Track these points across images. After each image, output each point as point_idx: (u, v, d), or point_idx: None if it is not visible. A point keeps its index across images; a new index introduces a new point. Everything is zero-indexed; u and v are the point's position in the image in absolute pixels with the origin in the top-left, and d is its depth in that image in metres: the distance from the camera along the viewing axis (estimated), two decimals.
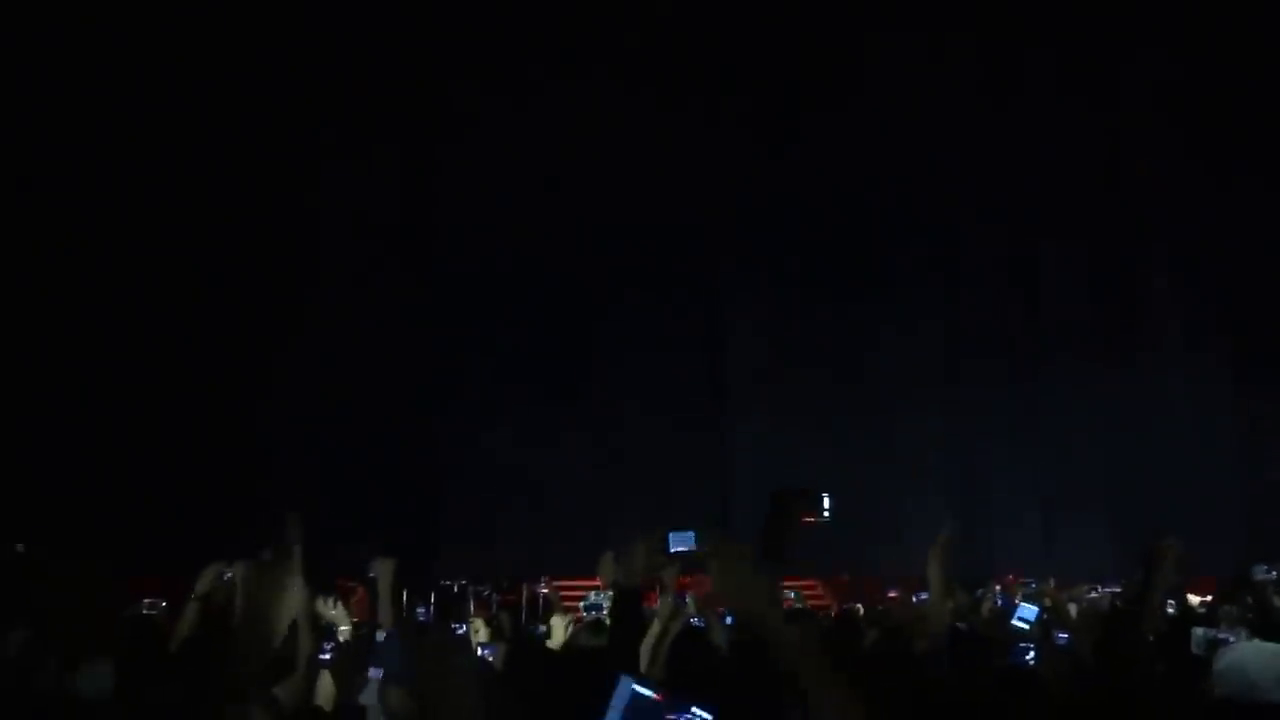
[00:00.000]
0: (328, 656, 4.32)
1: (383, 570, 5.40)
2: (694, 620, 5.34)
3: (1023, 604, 5.43)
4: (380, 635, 4.36)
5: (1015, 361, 16.82)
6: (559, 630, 6.34)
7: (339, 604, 7.10)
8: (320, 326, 14.20)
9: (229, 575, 5.22)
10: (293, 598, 1.74)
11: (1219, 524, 15.21)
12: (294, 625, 5.11)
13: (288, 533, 1.82)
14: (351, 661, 4.68)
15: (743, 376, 16.13)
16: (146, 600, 7.08)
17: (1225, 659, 3.75)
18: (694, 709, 1.58)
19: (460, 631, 6.05)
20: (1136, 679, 3.28)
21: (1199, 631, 4.10)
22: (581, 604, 6.23)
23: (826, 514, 3.37)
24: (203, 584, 5.18)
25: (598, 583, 12.20)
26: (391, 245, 15.05)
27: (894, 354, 16.20)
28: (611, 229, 15.08)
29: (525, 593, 10.21)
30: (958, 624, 6.40)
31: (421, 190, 15.40)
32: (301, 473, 13.55)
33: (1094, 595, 9.23)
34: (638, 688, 1.58)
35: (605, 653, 3.79)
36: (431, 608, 8.53)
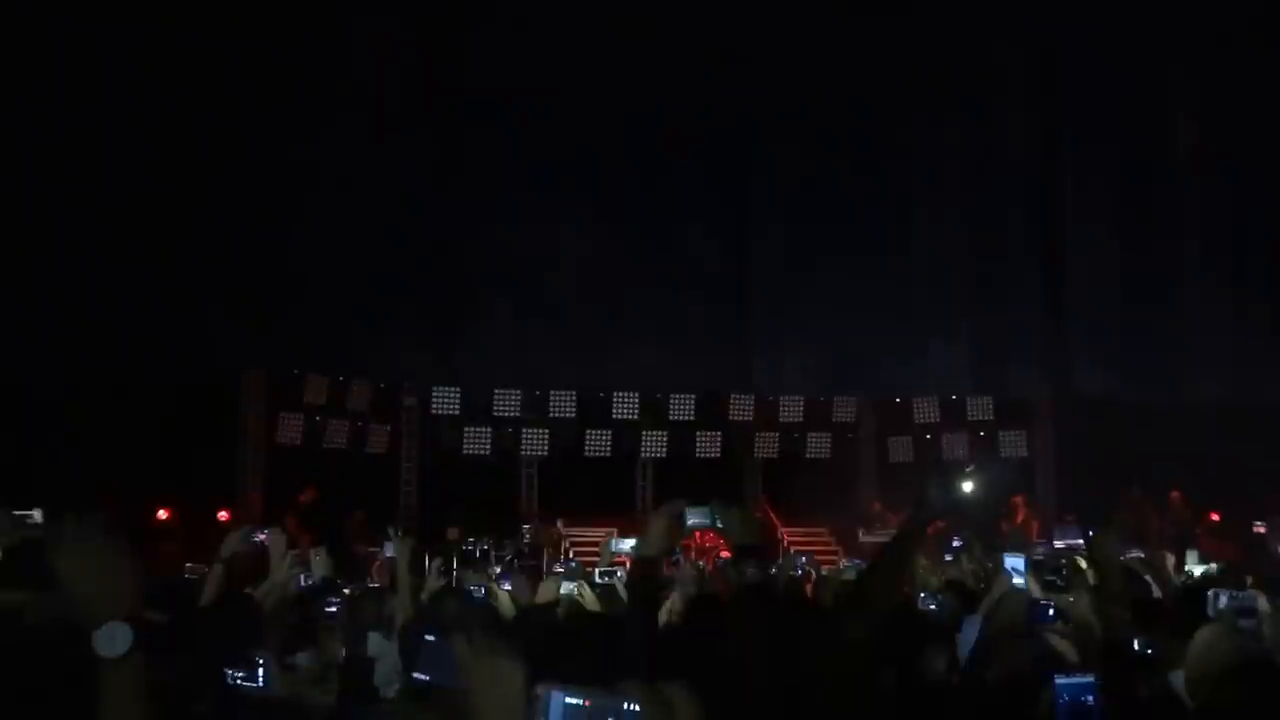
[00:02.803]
0: (334, 610, 4.42)
1: (401, 551, 5.45)
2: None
3: (1008, 555, 5.24)
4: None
5: (1048, 239, 16.15)
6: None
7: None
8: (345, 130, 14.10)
9: (260, 537, 5.29)
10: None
11: (1256, 350, 15.07)
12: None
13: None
14: (360, 614, 4.79)
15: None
16: (189, 565, 7.22)
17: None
18: (623, 704, 1.57)
19: (479, 595, 6.08)
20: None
21: (1213, 594, 4.09)
22: (598, 569, 6.25)
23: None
24: (228, 547, 5.24)
25: (607, 532, 12.11)
26: (413, 102, 14.85)
27: (925, 236, 15.80)
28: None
29: (546, 556, 10.30)
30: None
31: (453, 33, 15.09)
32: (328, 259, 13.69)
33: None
34: (568, 699, 1.58)
35: (620, 619, 3.83)
36: (454, 572, 8.59)
